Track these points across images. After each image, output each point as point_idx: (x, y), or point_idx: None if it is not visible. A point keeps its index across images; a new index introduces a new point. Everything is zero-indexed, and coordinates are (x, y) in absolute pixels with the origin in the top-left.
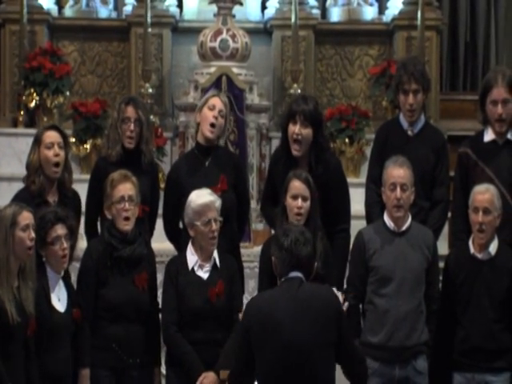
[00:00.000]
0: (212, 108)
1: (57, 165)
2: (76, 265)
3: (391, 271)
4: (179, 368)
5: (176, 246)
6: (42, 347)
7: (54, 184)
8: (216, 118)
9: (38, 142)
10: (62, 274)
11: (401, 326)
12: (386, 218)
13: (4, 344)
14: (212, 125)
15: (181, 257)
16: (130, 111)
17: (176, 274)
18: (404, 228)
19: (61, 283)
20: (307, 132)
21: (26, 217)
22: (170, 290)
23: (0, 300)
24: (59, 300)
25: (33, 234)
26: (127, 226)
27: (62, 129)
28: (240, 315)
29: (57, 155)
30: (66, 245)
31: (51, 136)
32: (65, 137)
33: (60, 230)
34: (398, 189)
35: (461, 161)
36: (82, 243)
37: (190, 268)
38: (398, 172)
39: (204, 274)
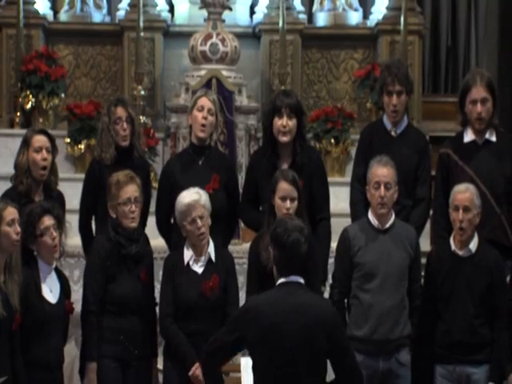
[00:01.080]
0: (201, 109)
1: (44, 168)
2: (70, 261)
3: (375, 267)
4: (176, 359)
5: (167, 241)
6: (33, 338)
7: (41, 185)
8: (205, 118)
9: (26, 144)
10: (54, 265)
11: (384, 320)
12: (370, 215)
13: None
14: (203, 125)
15: (178, 252)
16: (120, 111)
17: (172, 268)
18: (388, 225)
19: (53, 275)
20: (293, 123)
21: (11, 212)
22: (166, 284)
23: None
24: (51, 291)
25: (18, 229)
26: (133, 224)
27: (50, 133)
28: None
29: (44, 159)
30: (55, 234)
31: (40, 140)
32: (52, 140)
33: (48, 220)
34: (382, 187)
35: (442, 161)
36: (70, 240)
37: (185, 263)
38: (381, 171)
39: (199, 268)
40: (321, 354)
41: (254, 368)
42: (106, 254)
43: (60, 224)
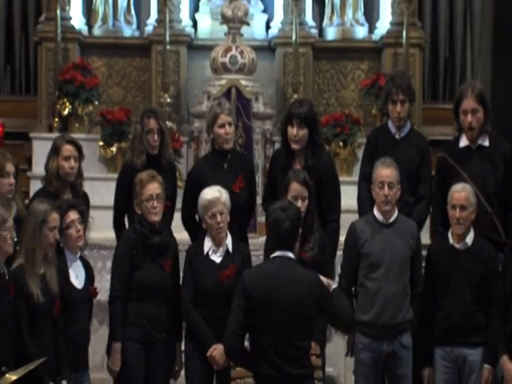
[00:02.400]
0: (222, 126)
1: (71, 175)
2: (103, 253)
3: (380, 258)
4: (197, 342)
5: (191, 235)
6: (62, 319)
7: (68, 186)
8: (227, 133)
9: (56, 152)
10: (79, 254)
11: (388, 306)
12: (375, 211)
13: (33, 324)
14: (226, 140)
15: (199, 243)
16: (153, 123)
17: (193, 257)
18: (391, 220)
19: (79, 263)
20: (303, 133)
21: (55, 218)
22: (187, 272)
23: (26, 284)
24: (77, 278)
25: (57, 236)
26: (156, 218)
27: (77, 142)
28: None
29: (72, 168)
30: (79, 227)
31: (69, 150)
32: (79, 149)
33: (73, 215)
34: (386, 187)
35: (439, 164)
36: (94, 234)
37: (205, 252)
38: (385, 172)
39: (217, 258)
40: (311, 319)
41: (251, 334)
42: (131, 245)
43: (84, 218)
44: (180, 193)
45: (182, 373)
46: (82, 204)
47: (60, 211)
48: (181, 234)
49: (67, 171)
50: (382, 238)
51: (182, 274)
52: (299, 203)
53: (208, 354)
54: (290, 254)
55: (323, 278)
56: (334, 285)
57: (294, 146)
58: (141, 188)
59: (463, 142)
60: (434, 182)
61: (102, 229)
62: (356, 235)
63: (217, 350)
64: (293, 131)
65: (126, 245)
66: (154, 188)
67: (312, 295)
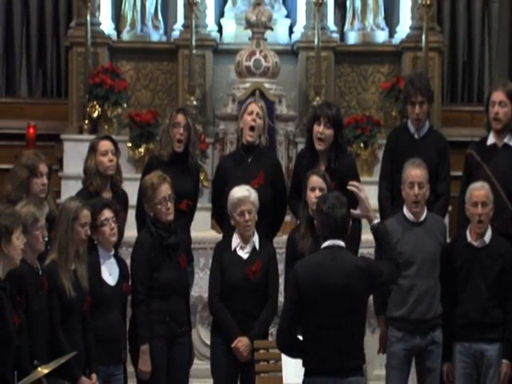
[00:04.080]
0: (250, 113)
1: (111, 168)
2: (123, 251)
3: (412, 256)
4: (223, 336)
5: (221, 228)
6: (93, 314)
7: (108, 184)
8: (254, 120)
9: (93, 150)
10: (113, 251)
11: (421, 302)
12: (405, 210)
13: (65, 318)
14: (251, 128)
15: (227, 239)
16: (180, 118)
17: (221, 253)
18: (422, 219)
19: (112, 260)
20: (329, 132)
21: (86, 215)
22: (215, 267)
23: (59, 278)
24: (110, 275)
25: (88, 232)
26: (170, 217)
27: (113, 137)
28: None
29: (111, 160)
30: (113, 225)
31: (105, 145)
32: (115, 144)
33: (107, 213)
34: (416, 186)
35: (466, 160)
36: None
37: (232, 249)
38: (415, 172)
39: (244, 254)
40: (364, 303)
41: (303, 322)
42: (149, 247)
43: (118, 217)
44: (205, 192)
45: (196, 362)
46: (116, 203)
47: (94, 209)
48: (206, 233)
49: (107, 165)
50: (413, 236)
51: (199, 272)
52: (317, 193)
53: (233, 345)
54: (341, 243)
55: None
56: (375, 220)
57: (319, 146)
58: (153, 191)
59: (490, 139)
60: (461, 180)
61: (131, 227)
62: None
63: (241, 342)
64: (319, 129)
65: (145, 248)
66: (166, 190)
67: (362, 283)
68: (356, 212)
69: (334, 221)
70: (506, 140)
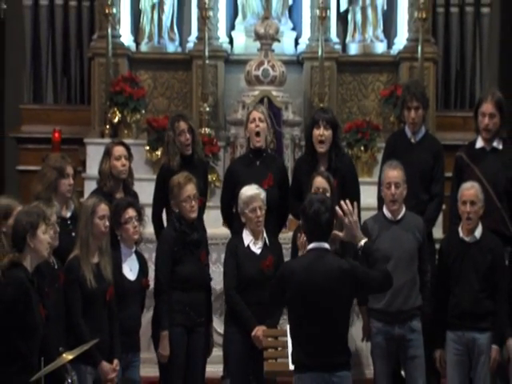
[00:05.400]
0: (253, 120)
1: (124, 172)
2: (149, 246)
3: (389, 252)
4: (239, 325)
5: (230, 227)
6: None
7: (120, 186)
8: (258, 125)
9: (108, 154)
10: (134, 248)
11: (398, 295)
12: (384, 209)
13: (88, 307)
14: (257, 134)
15: (238, 236)
16: (183, 124)
17: (235, 248)
18: (399, 217)
19: (133, 257)
20: (329, 133)
21: (104, 208)
22: (230, 261)
23: (81, 271)
24: (131, 270)
25: (107, 223)
26: (194, 215)
27: (126, 143)
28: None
29: (124, 165)
30: (136, 223)
31: (119, 150)
32: (129, 149)
33: (131, 212)
34: (393, 186)
35: (457, 162)
36: (147, 230)
37: (245, 245)
38: (392, 173)
39: (257, 249)
40: (347, 302)
41: (290, 320)
42: (173, 242)
43: (140, 216)
44: (217, 192)
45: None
46: (139, 203)
47: (120, 207)
48: (217, 229)
49: (120, 169)
50: (390, 233)
51: (213, 266)
52: None
53: (253, 333)
54: (326, 245)
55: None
56: (362, 240)
57: (320, 149)
58: (179, 190)
59: (479, 143)
60: (451, 181)
61: (149, 224)
62: (367, 233)
63: (260, 331)
64: (319, 132)
65: (168, 243)
66: (191, 189)
67: (345, 284)
68: (340, 235)
69: (320, 225)
70: (494, 144)
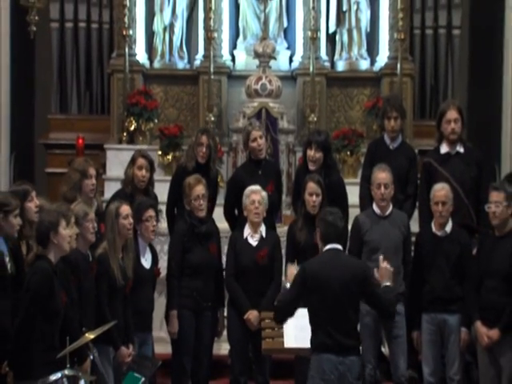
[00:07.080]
0: (254, 140)
1: (142, 182)
2: (161, 238)
3: (379, 243)
4: (237, 309)
5: (230, 225)
6: (133, 291)
7: (141, 191)
8: (260, 144)
9: (133, 162)
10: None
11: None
12: (374, 206)
13: (111, 297)
14: (260, 150)
15: (240, 230)
16: (204, 139)
17: (235, 241)
18: (387, 213)
19: (147, 249)
20: (319, 156)
21: (126, 209)
22: (230, 252)
23: (111, 268)
24: (146, 260)
25: (131, 220)
26: (202, 213)
27: (150, 156)
28: (283, 278)
29: (143, 176)
30: (154, 222)
31: (141, 162)
32: (151, 162)
33: (151, 212)
34: (382, 187)
35: (425, 167)
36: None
37: (244, 237)
38: (381, 175)
39: (254, 242)
40: (356, 297)
41: (310, 311)
42: (183, 233)
43: (157, 216)
44: (221, 192)
45: (224, 332)
46: (157, 205)
47: (142, 205)
48: (223, 224)
49: (139, 179)
50: (379, 227)
51: (224, 256)
52: (314, 198)
53: (245, 316)
54: (340, 247)
55: (376, 274)
56: (385, 282)
57: (311, 167)
58: (189, 189)
59: (443, 149)
60: (419, 183)
61: (162, 220)
62: (359, 226)
63: (252, 314)
64: (311, 153)
65: (180, 234)
66: (200, 189)
67: (355, 279)
68: (377, 277)
69: (338, 229)
70: (457, 148)
